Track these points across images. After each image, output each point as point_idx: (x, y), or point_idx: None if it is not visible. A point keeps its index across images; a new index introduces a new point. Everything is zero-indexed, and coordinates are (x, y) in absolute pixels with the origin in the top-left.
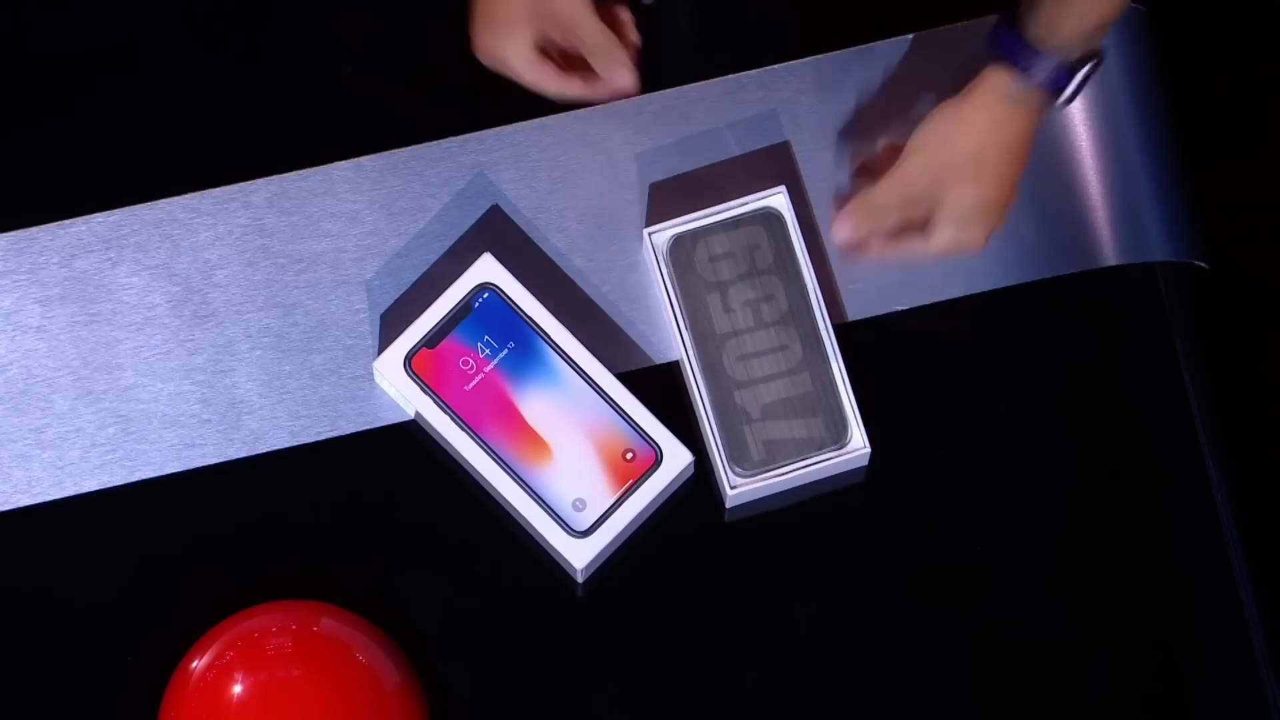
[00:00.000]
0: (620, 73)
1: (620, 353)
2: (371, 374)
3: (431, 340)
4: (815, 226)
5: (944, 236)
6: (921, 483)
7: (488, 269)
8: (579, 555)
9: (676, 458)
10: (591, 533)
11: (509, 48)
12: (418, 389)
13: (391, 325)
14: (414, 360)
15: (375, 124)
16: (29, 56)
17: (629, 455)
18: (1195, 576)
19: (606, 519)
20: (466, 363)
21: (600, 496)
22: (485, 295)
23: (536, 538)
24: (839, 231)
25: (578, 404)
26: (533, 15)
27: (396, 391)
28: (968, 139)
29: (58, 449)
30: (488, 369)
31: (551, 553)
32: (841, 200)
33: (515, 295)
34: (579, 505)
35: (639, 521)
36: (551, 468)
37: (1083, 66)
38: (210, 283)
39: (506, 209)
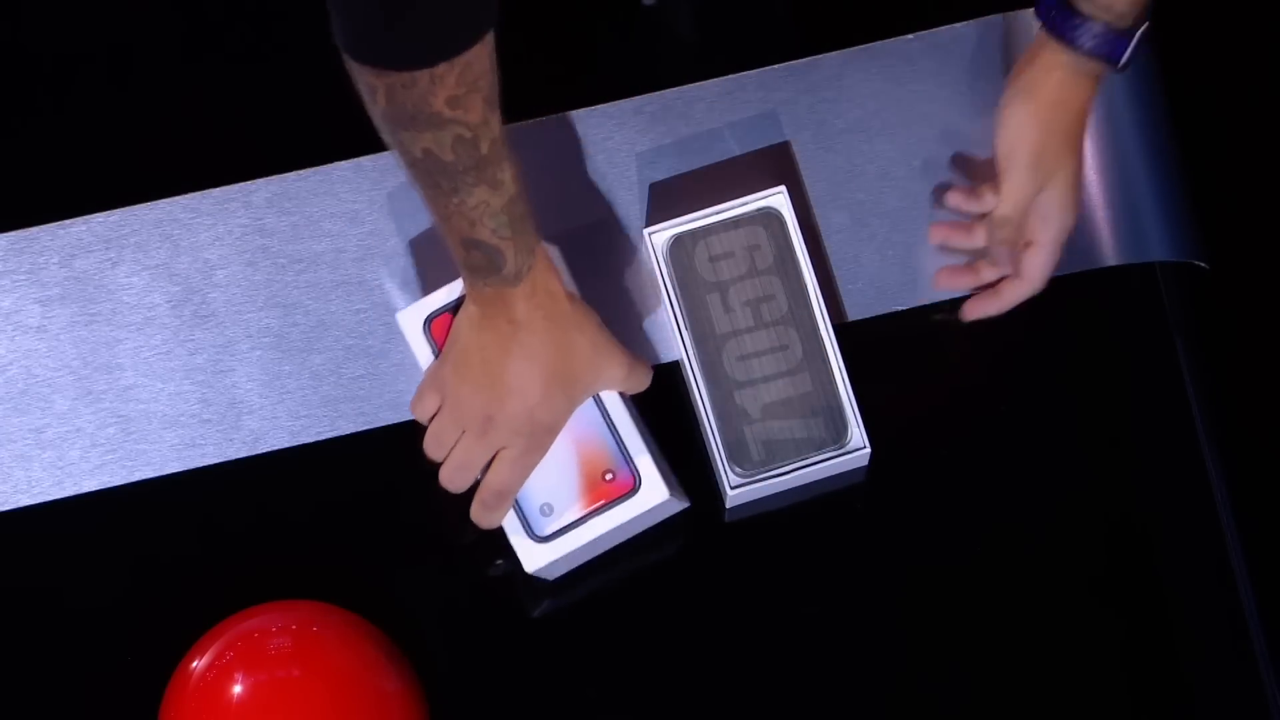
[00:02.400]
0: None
1: None
2: (371, 374)
3: (456, 308)
4: (815, 227)
5: (1052, 228)
6: (921, 483)
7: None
8: (530, 558)
9: (652, 491)
10: (548, 540)
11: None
12: (429, 349)
13: (429, 279)
14: (434, 323)
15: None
16: (29, 56)
17: (608, 476)
18: (1195, 576)
19: (567, 531)
20: None
21: (568, 507)
22: None
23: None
24: (1005, 266)
25: (576, 413)
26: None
27: (412, 341)
28: (1051, 132)
29: (58, 449)
30: None
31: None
32: (947, 232)
33: None
34: (546, 510)
35: (604, 544)
36: None
37: (1136, 31)
38: (210, 283)
39: None
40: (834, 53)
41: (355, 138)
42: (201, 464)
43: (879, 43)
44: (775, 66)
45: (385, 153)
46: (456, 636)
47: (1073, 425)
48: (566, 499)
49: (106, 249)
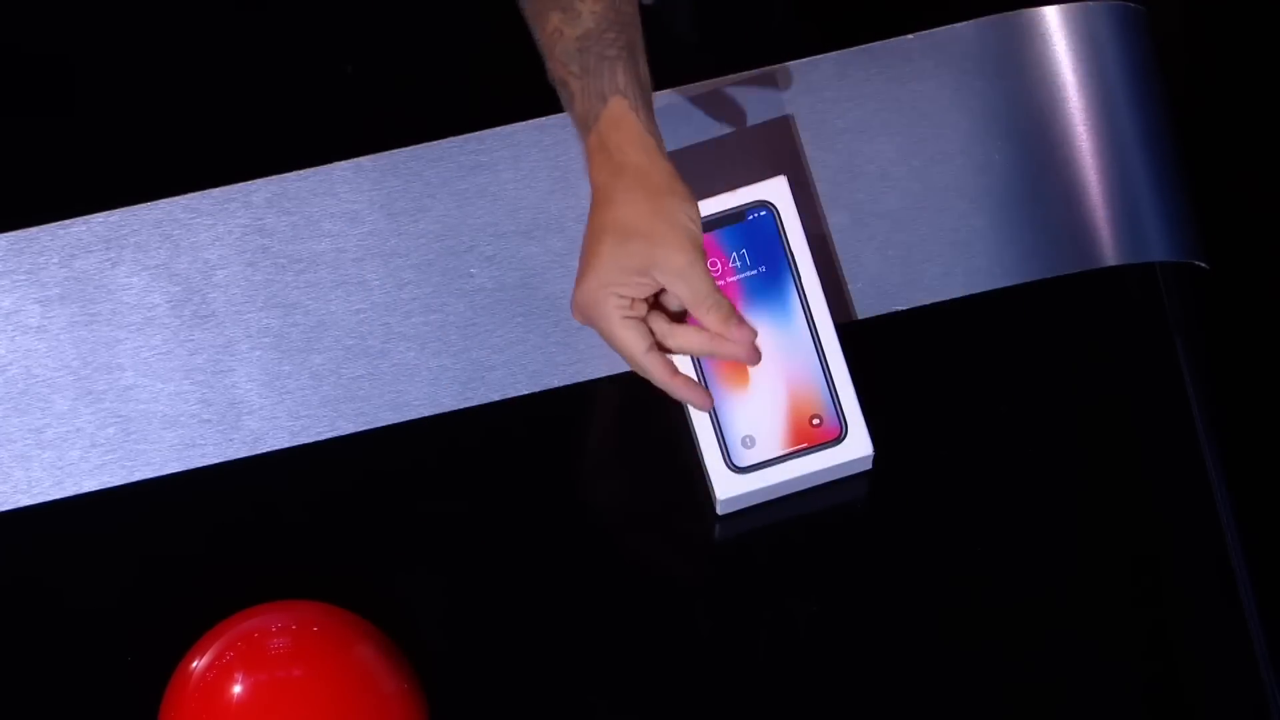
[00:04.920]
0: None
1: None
2: (371, 374)
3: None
4: (815, 227)
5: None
6: (921, 483)
7: (776, 190)
8: (725, 487)
9: (857, 444)
10: (745, 472)
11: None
12: None
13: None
14: None
15: (375, 124)
16: (29, 56)
17: (815, 420)
18: (1195, 576)
19: (764, 467)
20: (714, 263)
21: (770, 444)
22: (762, 213)
23: (696, 452)
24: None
25: (793, 351)
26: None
27: None
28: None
29: (58, 449)
30: (730, 279)
31: (705, 474)
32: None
33: (789, 226)
34: (747, 442)
35: (792, 487)
36: (740, 396)
37: None
38: (210, 283)
39: (506, 209)
40: (834, 53)
41: (355, 138)
42: (201, 464)
43: (879, 43)
44: (775, 66)
45: (385, 153)
46: (456, 636)
47: (1073, 425)
48: (769, 435)
49: (106, 249)
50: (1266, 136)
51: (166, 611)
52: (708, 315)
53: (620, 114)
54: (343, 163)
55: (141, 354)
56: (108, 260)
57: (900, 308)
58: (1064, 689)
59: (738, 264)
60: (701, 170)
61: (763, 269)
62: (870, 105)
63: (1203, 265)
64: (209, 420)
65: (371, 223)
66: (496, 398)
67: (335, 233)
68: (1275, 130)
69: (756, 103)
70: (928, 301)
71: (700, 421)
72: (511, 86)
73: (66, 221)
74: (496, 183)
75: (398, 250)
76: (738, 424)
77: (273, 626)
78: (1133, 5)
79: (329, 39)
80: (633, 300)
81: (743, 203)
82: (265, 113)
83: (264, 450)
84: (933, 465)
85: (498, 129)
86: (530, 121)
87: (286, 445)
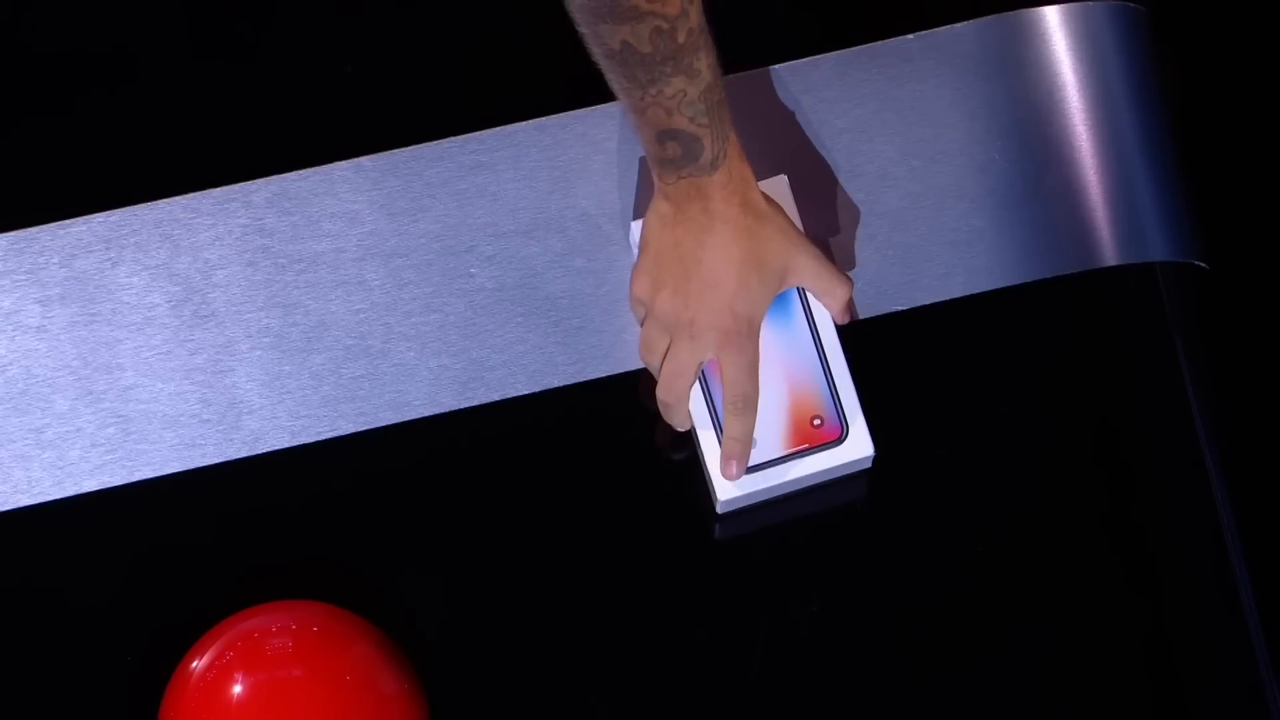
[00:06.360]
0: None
1: (620, 353)
2: (371, 374)
3: None
4: (816, 228)
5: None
6: (921, 483)
7: (776, 190)
8: (725, 487)
9: (858, 445)
10: (746, 472)
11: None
12: None
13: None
14: None
15: (375, 124)
16: (30, 56)
17: (816, 421)
18: (1195, 576)
19: (766, 467)
20: None
21: (771, 444)
22: None
23: (698, 453)
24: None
25: (795, 353)
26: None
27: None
28: None
29: (58, 449)
30: None
31: (705, 472)
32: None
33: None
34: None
35: (793, 488)
36: None
37: None
38: (210, 283)
39: (506, 209)
40: (834, 53)
41: (355, 138)
42: (201, 464)
43: (879, 43)
44: (775, 66)
45: (385, 153)
46: (456, 636)
47: (1072, 425)
48: (771, 435)
49: (106, 249)
50: (1266, 136)
51: (166, 611)
52: (836, 301)
53: (740, 150)
54: (343, 163)
55: (141, 354)
56: (108, 260)
57: (900, 308)
58: (1064, 689)
59: None
60: None
61: None
62: (870, 105)
63: (1203, 265)
64: (209, 420)
65: (371, 223)
66: (496, 398)
67: (335, 233)
68: (1275, 130)
69: (756, 103)
70: (928, 301)
71: (701, 421)
72: (511, 86)
73: (66, 221)
74: (496, 183)
75: (398, 250)
76: None
77: (273, 626)
78: (1133, 5)
79: (329, 39)
80: None
81: None
82: (265, 113)
83: (264, 450)
84: (933, 465)
85: (498, 129)
86: (530, 121)
87: (286, 445)
